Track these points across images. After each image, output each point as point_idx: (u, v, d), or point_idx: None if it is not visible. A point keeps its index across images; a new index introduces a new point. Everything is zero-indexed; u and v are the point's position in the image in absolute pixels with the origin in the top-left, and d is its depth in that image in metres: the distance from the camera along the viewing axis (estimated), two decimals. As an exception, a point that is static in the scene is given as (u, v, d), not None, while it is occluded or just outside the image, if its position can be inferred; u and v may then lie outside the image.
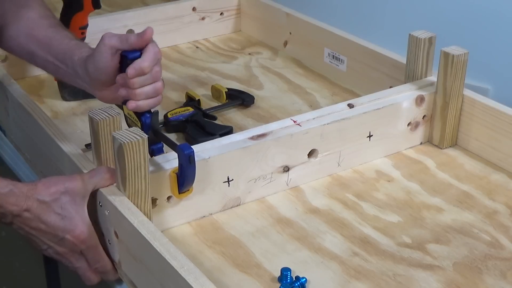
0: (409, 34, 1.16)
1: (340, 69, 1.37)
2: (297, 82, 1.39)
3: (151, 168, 0.92)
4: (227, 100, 1.30)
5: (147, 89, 0.94)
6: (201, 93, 1.33)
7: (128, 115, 1.03)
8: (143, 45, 0.93)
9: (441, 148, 1.16)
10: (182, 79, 1.42)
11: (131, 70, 0.92)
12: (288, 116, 1.06)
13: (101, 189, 0.90)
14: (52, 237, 0.89)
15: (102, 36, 0.95)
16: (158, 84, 0.95)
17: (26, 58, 1.10)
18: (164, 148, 1.03)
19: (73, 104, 1.31)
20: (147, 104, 0.95)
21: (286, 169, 1.04)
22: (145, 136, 0.87)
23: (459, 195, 1.04)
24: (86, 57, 0.98)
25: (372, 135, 1.10)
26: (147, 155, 0.89)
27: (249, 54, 1.52)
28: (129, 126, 1.03)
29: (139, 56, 0.94)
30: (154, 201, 0.94)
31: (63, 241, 0.89)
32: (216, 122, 1.24)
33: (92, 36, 1.38)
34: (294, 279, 0.87)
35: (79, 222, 0.89)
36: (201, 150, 0.97)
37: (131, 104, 0.94)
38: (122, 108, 1.04)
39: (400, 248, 0.93)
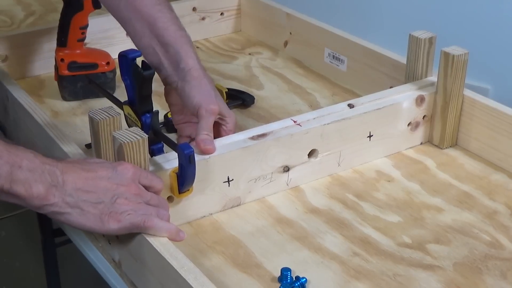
0: (410, 34, 1.16)
1: (340, 69, 1.37)
2: (297, 82, 1.39)
3: (151, 168, 0.92)
4: (227, 100, 1.30)
5: None
6: (201, 93, 1.33)
7: (128, 115, 1.03)
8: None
9: (441, 148, 1.16)
10: (182, 79, 1.41)
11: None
12: (288, 116, 1.06)
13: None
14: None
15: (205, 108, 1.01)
16: None
17: (121, 24, 1.09)
18: (164, 148, 1.03)
19: (73, 104, 1.31)
20: None
21: (286, 169, 1.04)
22: (145, 136, 0.87)
23: (459, 195, 1.04)
24: (182, 83, 1.03)
25: (372, 135, 1.10)
26: (147, 155, 0.89)
27: (249, 54, 1.52)
28: (129, 126, 1.03)
29: (140, 55, 0.95)
30: (154, 201, 0.93)
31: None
32: (216, 122, 1.24)
33: (92, 36, 1.39)
34: (294, 279, 0.86)
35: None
36: (201, 150, 0.97)
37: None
38: (122, 108, 1.04)
39: (400, 248, 0.93)
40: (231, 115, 1.06)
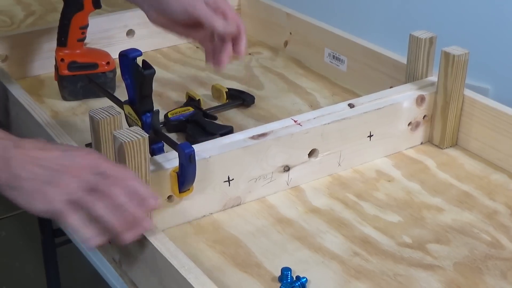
0: (410, 34, 1.16)
1: (341, 69, 1.37)
2: (297, 82, 1.39)
3: (151, 167, 0.92)
4: (227, 100, 1.30)
5: None
6: (202, 93, 1.33)
7: (128, 115, 1.03)
8: None
9: (441, 148, 1.16)
10: (182, 79, 1.42)
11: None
12: (288, 116, 1.06)
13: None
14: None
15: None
16: None
17: None
18: (164, 148, 1.03)
19: (73, 104, 1.31)
20: None
21: (287, 168, 1.04)
22: (146, 135, 0.87)
23: (459, 195, 1.04)
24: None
25: (372, 135, 1.10)
26: (148, 154, 0.89)
27: (249, 54, 1.52)
28: (130, 125, 1.03)
29: (141, 54, 0.95)
30: (154, 200, 0.93)
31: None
32: (216, 122, 1.24)
33: (92, 36, 1.39)
34: (294, 278, 0.87)
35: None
36: (201, 149, 0.97)
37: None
38: (122, 108, 1.04)
39: (400, 248, 0.93)
40: None
